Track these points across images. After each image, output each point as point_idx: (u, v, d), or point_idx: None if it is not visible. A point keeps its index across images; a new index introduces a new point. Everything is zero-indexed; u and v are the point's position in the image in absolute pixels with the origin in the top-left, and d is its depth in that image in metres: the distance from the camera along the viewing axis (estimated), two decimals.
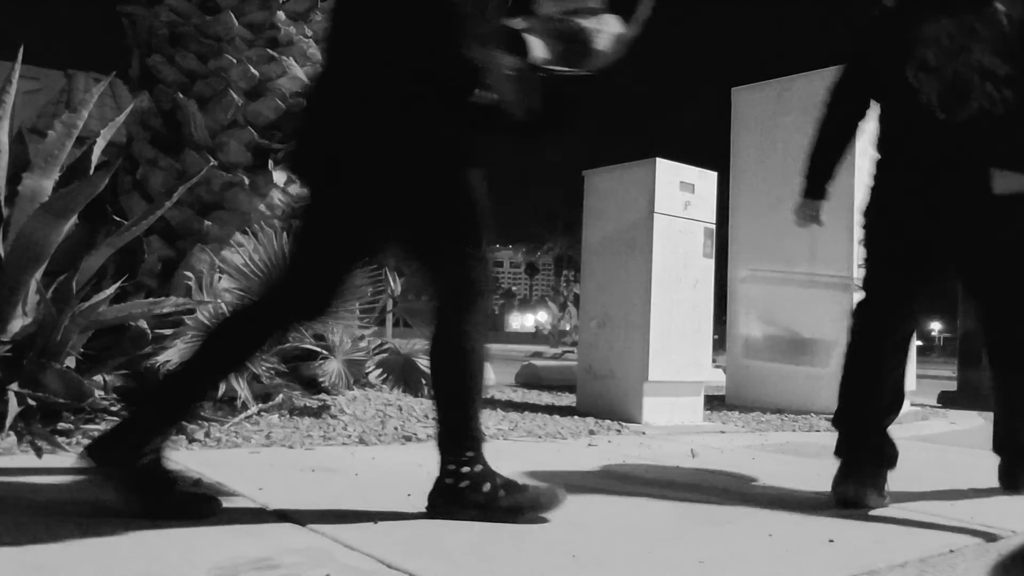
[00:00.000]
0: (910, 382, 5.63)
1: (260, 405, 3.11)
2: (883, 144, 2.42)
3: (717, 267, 4.36)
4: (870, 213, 2.43)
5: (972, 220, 2.25)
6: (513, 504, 1.70)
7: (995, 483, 2.50)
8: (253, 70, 3.84)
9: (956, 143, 2.24)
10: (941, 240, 2.30)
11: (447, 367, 1.75)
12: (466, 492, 1.70)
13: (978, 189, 2.21)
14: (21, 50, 2.87)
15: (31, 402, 2.44)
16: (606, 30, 1.80)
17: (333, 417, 3.19)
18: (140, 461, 1.60)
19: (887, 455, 2.29)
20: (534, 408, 4.25)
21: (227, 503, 1.76)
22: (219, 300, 3.24)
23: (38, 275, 2.70)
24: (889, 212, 2.37)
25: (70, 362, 2.68)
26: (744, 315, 2.83)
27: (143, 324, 2.93)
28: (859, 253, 4.71)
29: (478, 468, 1.72)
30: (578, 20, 1.78)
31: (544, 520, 1.75)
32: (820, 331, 2.69)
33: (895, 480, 2.26)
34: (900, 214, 2.34)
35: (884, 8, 2.43)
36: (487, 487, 1.70)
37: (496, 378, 6.87)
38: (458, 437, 1.73)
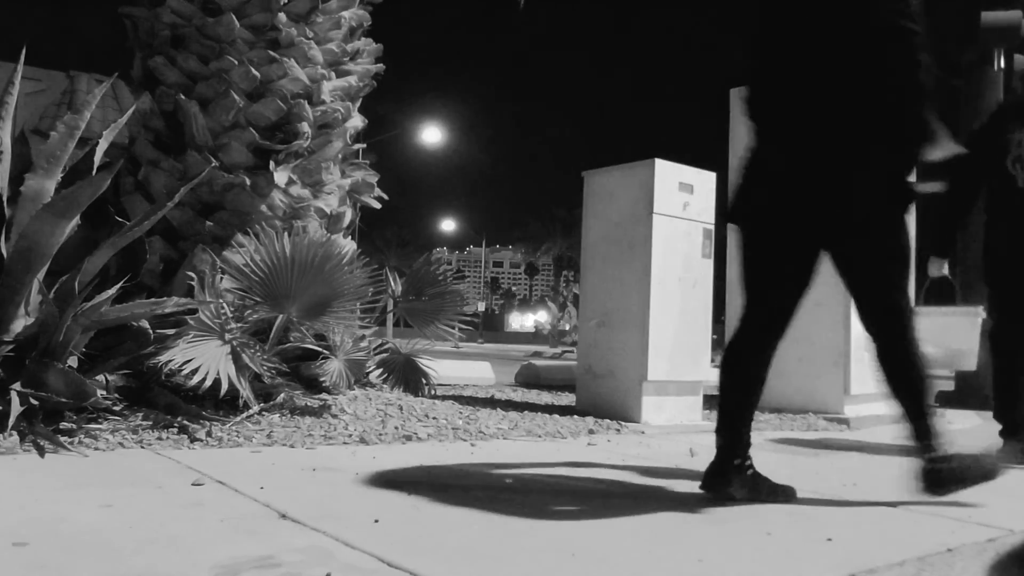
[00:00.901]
0: None
1: (261, 404, 3.12)
2: (989, 214, 3.47)
3: (716, 267, 4.37)
4: (987, 265, 3.48)
5: None
6: (961, 471, 2.13)
7: (993, 483, 2.50)
8: (254, 71, 3.85)
9: None
10: None
11: (901, 375, 2.19)
12: (944, 463, 2.11)
13: None
14: (24, 51, 2.88)
15: (33, 402, 2.45)
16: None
17: (334, 416, 3.20)
18: (746, 474, 2.14)
19: None
20: (534, 407, 4.26)
21: (229, 502, 1.78)
22: (221, 300, 3.25)
23: (40, 275, 2.71)
24: (997, 265, 3.45)
25: (72, 362, 2.69)
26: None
27: (145, 324, 2.94)
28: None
29: (942, 449, 2.13)
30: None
31: (550, 518, 1.76)
32: (961, 344, 3.64)
33: (894, 481, 2.27)
34: (1003, 265, 3.42)
35: (982, 121, 3.65)
36: (951, 461, 2.13)
37: (496, 378, 6.89)
38: (926, 431, 2.12)
